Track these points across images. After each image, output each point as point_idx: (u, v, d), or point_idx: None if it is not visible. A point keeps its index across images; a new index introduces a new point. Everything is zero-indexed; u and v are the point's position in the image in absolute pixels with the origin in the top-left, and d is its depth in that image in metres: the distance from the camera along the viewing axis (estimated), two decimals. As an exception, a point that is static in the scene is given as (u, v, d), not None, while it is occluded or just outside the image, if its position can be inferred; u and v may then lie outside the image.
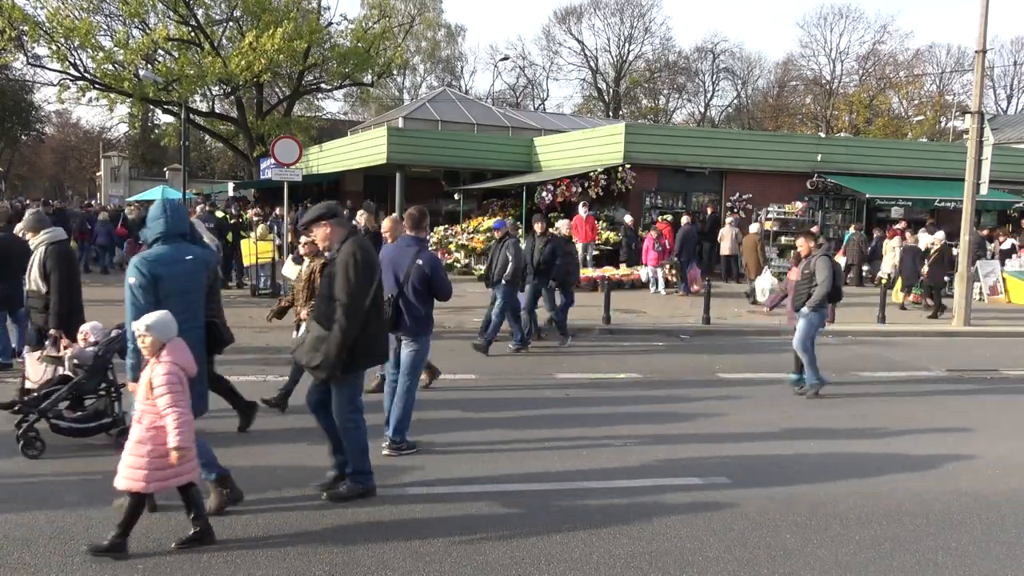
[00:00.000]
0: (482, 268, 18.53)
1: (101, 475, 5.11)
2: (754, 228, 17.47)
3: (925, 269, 15.71)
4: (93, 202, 39.71)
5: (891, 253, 18.03)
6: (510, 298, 10.42)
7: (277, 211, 21.67)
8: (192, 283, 4.82)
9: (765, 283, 15.15)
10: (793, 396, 8.83)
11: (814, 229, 15.92)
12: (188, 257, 4.83)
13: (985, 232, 20.96)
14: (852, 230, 20.37)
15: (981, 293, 18.20)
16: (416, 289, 6.21)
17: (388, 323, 5.85)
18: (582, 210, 18.54)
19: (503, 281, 10.30)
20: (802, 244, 9.28)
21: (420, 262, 6.20)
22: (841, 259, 20.21)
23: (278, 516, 4.94)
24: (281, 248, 16.84)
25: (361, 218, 14.09)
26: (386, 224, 8.29)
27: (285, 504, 5.13)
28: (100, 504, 4.91)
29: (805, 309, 8.74)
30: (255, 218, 18.45)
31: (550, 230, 11.74)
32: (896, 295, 17.05)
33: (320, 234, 5.19)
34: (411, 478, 5.68)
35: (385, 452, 6.14)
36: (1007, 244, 20.86)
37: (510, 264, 10.24)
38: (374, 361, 5.33)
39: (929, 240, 15.87)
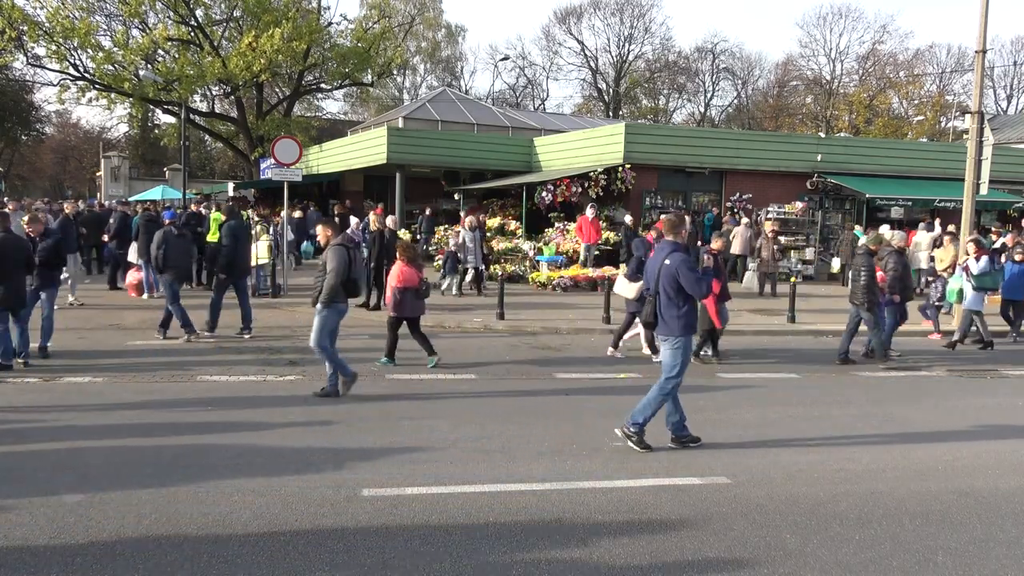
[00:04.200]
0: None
1: None
2: (884, 230, 17.53)
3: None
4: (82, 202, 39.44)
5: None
6: (171, 287, 10.83)
7: (297, 213, 21.87)
8: None
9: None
10: (793, 396, 8.83)
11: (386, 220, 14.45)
12: None
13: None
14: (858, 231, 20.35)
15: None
16: (666, 290, 6.40)
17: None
18: (589, 211, 18.54)
19: (161, 271, 11.02)
20: (321, 233, 8.45)
21: (668, 262, 6.40)
22: (835, 260, 20.29)
23: (279, 516, 4.94)
24: (277, 248, 16.80)
25: (372, 220, 14.24)
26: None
27: (285, 504, 5.14)
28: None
29: (319, 306, 7.94)
30: (254, 219, 18.43)
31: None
32: None
33: None
34: (411, 479, 5.68)
35: (617, 432, 6.60)
36: (998, 243, 20.85)
37: (161, 253, 10.83)
38: None
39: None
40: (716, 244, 11.23)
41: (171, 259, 10.82)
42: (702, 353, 10.53)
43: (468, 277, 16.73)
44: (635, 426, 6.49)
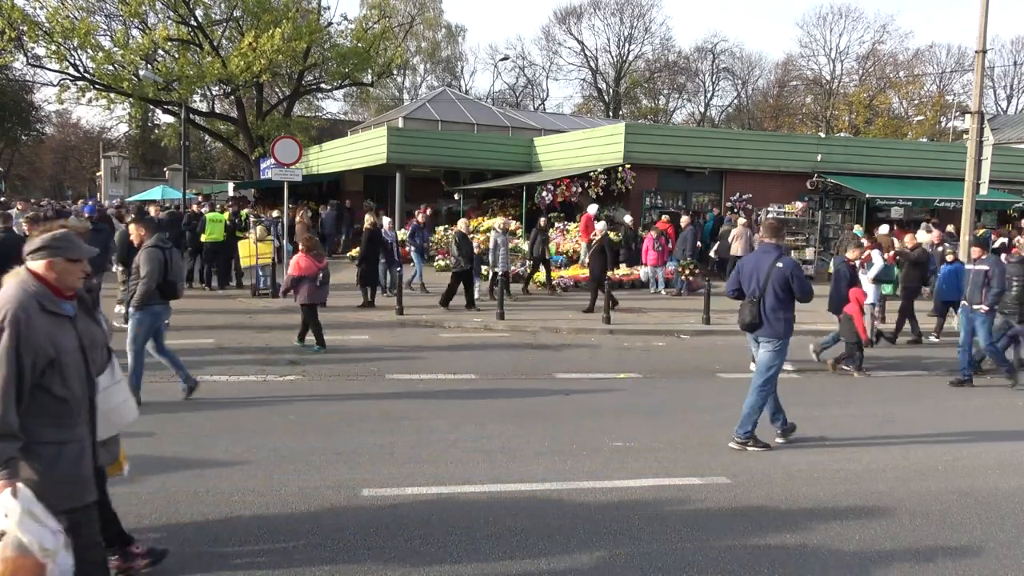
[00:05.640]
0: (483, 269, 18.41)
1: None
2: (884, 229, 17.46)
3: (586, 261, 15.08)
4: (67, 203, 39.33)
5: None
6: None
7: (275, 213, 21.60)
8: None
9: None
10: (793, 396, 8.81)
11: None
12: None
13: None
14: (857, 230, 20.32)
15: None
16: (776, 292, 6.55)
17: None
18: (592, 208, 18.48)
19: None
20: (134, 233, 8.01)
21: (780, 265, 6.57)
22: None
23: (279, 516, 4.94)
24: (280, 249, 16.79)
25: (368, 219, 14.27)
26: None
27: (285, 504, 5.14)
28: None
29: (131, 308, 7.63)
30: (252, 219, 18.41)
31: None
32: None
33: None
34: (411, 479, 5.68)
35: (732, 446, 6.62)
36: (997, 243, 20.85)
37: None
38: None
39: (599, 229, 14.93)
40: (851, 254, 10.71)
41: None
42: (842, 364, 10.23)
43: (531, 275, 16.34)
44: (745, 435, 6.66)
